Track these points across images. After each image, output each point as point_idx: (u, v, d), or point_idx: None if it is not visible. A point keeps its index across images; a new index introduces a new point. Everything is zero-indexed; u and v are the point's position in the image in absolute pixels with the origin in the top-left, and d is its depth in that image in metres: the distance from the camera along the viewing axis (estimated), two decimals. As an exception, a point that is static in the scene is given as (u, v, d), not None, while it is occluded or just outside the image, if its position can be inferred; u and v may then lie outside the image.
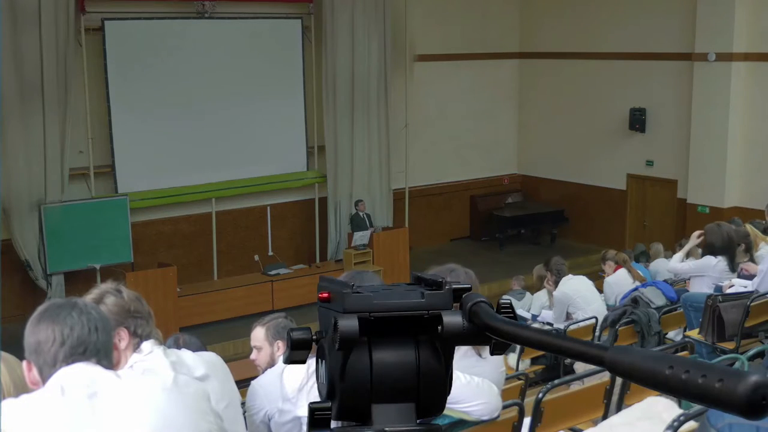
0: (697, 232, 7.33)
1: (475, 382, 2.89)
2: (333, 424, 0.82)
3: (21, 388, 2.12)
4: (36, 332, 1.98)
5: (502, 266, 14.26)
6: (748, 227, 7.78)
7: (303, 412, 2.73)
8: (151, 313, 2.55)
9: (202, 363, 2.65)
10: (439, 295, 0.68)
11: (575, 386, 4.96)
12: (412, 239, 14.21)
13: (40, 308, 2.04)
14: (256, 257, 13.41)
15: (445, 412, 1.14)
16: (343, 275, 2.23)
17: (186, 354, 2.66)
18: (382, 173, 14.48)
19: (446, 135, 15.80)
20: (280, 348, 4.10)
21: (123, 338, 2.44)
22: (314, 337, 0.81)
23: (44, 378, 1.97)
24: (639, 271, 8.86)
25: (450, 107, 15.79)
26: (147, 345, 2.47)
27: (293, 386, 2.84)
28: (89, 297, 2.41)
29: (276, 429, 3.02)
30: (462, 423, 2.97)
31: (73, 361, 1.96)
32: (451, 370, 0.82)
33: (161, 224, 12.83)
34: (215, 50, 12.78)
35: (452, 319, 0.68)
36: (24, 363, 2.03)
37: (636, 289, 7.77)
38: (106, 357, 2.03)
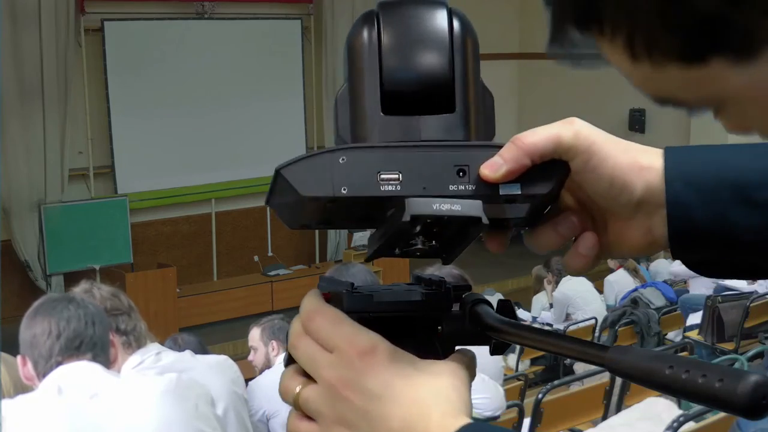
0: None
1: (480, 377, 2.89)
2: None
3: (21, 388, 2.11)
4: (32, 326, 1.97)
5: (502, 267, 14.26)
6: None
7: None
8: (132, 306, 2.48)
9: (202, 366, 2.60)
10: (439, 295, 0.68)
11: (575, 387, 4.97)
12: (412, 240, 14.20)
13: (36, 303, 2.03)
14: (256, 258, 13.42)
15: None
16: (329, 271, 2.22)
17: (185, 357, 2.61)
18: (381, 174, 14.47)
19: (446, 135, 15.78)
20: (275, 348, 4.11)
21: None
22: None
23: (39, 373, 1.96)
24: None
25: (450, 108, 15.77)
26: (137, 356, 2.42)
27: None
28: None
29: (275, 428, 3.02)
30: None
31: (69, 356, 1.94)
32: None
33: (161, 225, 12.83)
34: (215, 51, 12.78)
35: (452, 319, 0.68)
36: (18, 358, 2.02)
37: (636, 289, 7.77)
38: (103, 352, 2.01)
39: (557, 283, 8.06)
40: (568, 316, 7.97)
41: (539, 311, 8.66)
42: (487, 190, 0.63)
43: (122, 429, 1.85)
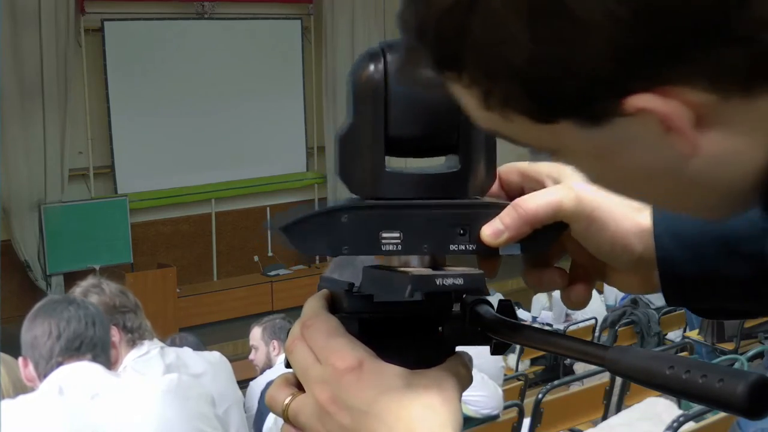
0: None
1: (479, 375, 2.90)
2: None
3: (20, 388, 2.12)
4: (32, 327, 1.98)
5: (503, 267, 14.14)
6: None
7: None
8: (138, 304, 2.52)
9: (204, 363, 2.63)
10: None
11: (575, 387, 4.97)
12: (412, 240, 14.17)
13: (37, 305, 2.04)
14: (256, 258, 13.42)
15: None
16: (331, 264, 2.24)
17: (187, 353, 2.64)
18: (382, 174, 14.46)
19: (446, 135, 15.77)
20: (276, 348, 4.11)
21: (114, 335, 2.41)
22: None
23: (40, 374, 1.96)
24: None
25: (450, 108, 15.76)
26: (144, 346, 2.45)
27: None
28: None
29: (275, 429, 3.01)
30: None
31: (70, 357, 1.95)
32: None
33: (161, 225, 12.83)
34: (215, 51, 12.78)
35: (452, 319, 0.68)
36: (20, 360, 2.02)
37: (636, 289, 7.77)
38: (104, 353, 2.02)
39: (557, 283, 8.06)
40: (568, 316, 7.98)
41: (539, 311, 8.67)
42: (487, 250, 0.66)
43: (123, 429, 1.85)
